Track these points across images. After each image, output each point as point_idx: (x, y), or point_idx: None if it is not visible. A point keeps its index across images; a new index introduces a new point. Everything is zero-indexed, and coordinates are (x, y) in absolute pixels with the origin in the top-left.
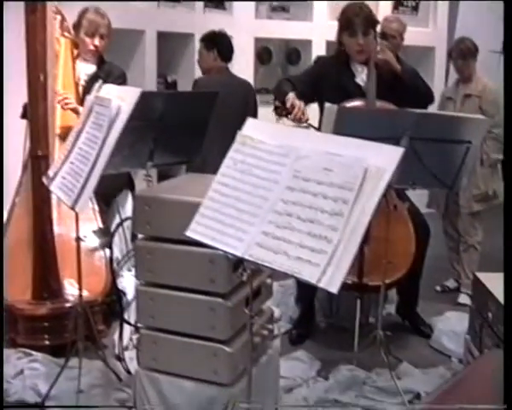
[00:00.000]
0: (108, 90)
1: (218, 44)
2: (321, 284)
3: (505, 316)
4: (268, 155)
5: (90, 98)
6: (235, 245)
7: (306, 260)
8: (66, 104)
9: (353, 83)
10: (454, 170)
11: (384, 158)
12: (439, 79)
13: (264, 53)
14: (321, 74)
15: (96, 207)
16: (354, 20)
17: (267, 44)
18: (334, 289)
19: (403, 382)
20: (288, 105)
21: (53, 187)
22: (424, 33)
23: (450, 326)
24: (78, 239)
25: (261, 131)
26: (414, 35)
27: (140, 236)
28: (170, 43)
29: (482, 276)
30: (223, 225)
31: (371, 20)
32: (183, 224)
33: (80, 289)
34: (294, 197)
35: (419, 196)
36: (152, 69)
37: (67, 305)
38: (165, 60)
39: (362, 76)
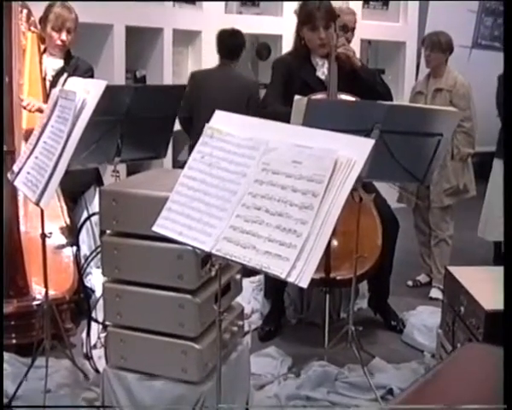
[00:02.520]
0: (74, 84)
1: (219, 42)
2: (290, 279)
3: (505, 316)
4: (236, 147)
5: (55, 92)
6: (203, 240)
7: (275, 255)
8: (30, 110)
9: (315, 77)
10: (425, 163)
11: (354, 150)
12: (409, 73)
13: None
14: (287, 74)
15: (63, 205)
16: (315, 14)
17: None
18: (303, 283)
19: (375, 377)
20: None
21: (17, 182)
22: (395, 28)
23: (422, 321)
24: (43, 236)
25: (230, 123)
26: (384, 30)
27: (107, 231)
28: (139, 38)
29: (454, 270)
30: (190, 220)
31: (332, 14)
32: (150, 219)
33: (46, 286)
34: (263, 191)
35: (389, 190)
36: (120, 64)
37: (34, 303)
38: (135, 55)
39: (323, 70)
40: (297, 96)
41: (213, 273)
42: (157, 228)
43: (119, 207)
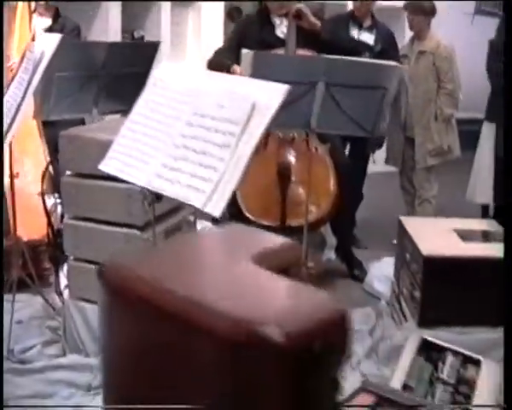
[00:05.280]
0: (43, 39)
1: None
2: (207, 210)
3: (505, 315)
4: (175, 94)
5: (26, 46)
6: (138, 176)
7: (195, 189)
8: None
9: (274, 35)
10: (372, 116)
11: (270, 95)
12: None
13: None
14: (244, 33)
15: (47, 157)
16: None
17: None
18: (217, 213)
19: None
20: None
21: None
22: None
23: (383, 271)
24: (11, 177)
25: (173, 73)
26: None
27: (67, 173)
28: None
29: (404, 219)
30: (130, 159)
31: None
32: (102, 160)
33: (15, 225)
34: (192, 132)
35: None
36: (116, 25)
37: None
38: (133, 15)
39: (282, 28)
40: (244, 50)
41: (147, 206)
42: (102, 166)
43: (75, 150)
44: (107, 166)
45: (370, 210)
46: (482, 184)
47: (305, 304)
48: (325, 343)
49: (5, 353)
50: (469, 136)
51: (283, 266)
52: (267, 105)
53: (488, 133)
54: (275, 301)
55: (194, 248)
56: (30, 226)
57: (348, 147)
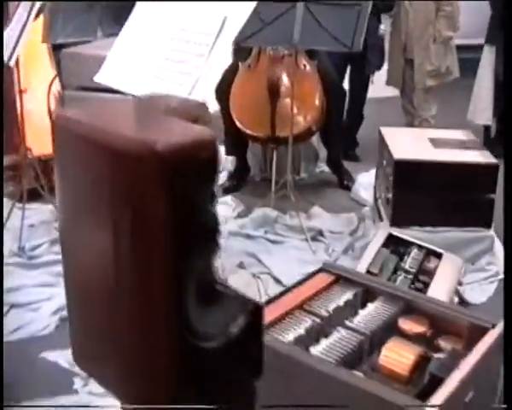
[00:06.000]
0: None
1: None
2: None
3: (505, 315)
4: (159, 12)
5: None
6: (129, 85)
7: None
8: None
9: None
10: (350, 32)
11: (239, 10)
12: None
13: None
14: None
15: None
16: None
17: None
18: None
19: (311, 222)
20: None
21: None
22: None
23: (370, 180)
24: (20, 92)
25: None
26: None
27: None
28: None
29: (384, 130)
30: (122, 69)
31: None
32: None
33: (24, 140)
34: (175, 45)
35: (377, 75)
36: None
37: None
38: None
39: None
40: None
41: None
42: (97, 78)
43: (76, 66)
44: (101, 78)
45: (370, 130)
46: (482, 104)
47: (185, 131)
48: (197, 156)
49: (16, 250)
50: (470, 62)
51: (191, 118)
52: (236, 18)
53: (489, 56)
54: (166, 129)
55: (127, 105)
56: (41, 143)
57: (349, 68)
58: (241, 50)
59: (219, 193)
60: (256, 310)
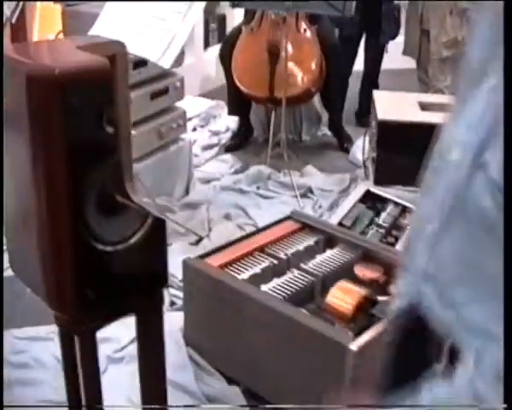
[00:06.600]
0: None
1: None
2: (160, 63)
3: (505, 314)
4: None
5: None
6: None
7: (153, 47)
8: None
9: None
10: None
11: None
12: None
13: None
14: None
15: None
16: None
17: None
18: (167, 65)
19: (304, 179)
20: None
21: None
22: None
23: (366, 143)
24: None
25: None
26: None
27: None
28: None
29: (375, 93)
30: (113, 26)
31: None
32: None
33: None
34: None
35: (394, 45)
36: None
37: None
38: None
39: None
40: None
41: None
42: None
43: (73, 23)
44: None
45: None
46: None
47: (83, 60)
48: (88, 78)
49: None
50: None
51: (108, 53)
52: None
53: None
54: (71, 59)
55: (59, 43)
56: None
57: (364, 38)
58: (247, 14)
59: (221, 151)
60: (157, 223)
